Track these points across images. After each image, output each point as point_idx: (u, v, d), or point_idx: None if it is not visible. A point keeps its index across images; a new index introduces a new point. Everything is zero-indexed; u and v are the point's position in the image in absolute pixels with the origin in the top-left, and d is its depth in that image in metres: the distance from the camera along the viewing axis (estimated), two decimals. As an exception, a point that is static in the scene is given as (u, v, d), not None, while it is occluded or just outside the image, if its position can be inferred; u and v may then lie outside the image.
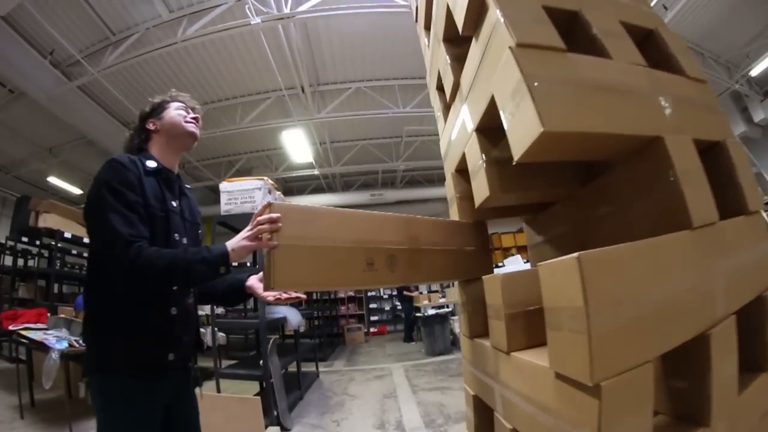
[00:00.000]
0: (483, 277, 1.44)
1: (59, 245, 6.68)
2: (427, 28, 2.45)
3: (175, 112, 1.72)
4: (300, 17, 6.06)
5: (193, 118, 1.74)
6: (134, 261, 1.30)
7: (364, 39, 7.23)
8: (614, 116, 1.11)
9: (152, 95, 2.09)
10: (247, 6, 5.83)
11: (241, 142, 10.22)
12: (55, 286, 7.22)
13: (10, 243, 7.60)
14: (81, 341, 3.94)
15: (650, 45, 1.53)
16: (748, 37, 8.76)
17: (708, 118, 1.39)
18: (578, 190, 1.55)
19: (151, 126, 1.70)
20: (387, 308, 14.60)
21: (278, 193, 4.86)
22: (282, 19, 5.97)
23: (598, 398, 0.80)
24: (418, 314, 9.41)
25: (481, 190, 1.45)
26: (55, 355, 3.59)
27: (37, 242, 7.15)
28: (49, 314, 4.98)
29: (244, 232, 1.37)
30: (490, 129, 1.48)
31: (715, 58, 9.25)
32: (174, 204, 1.63)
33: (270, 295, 1.59)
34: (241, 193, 4.24)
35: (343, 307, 13.68)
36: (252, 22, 5.92)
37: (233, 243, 1.41)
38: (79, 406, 4.10)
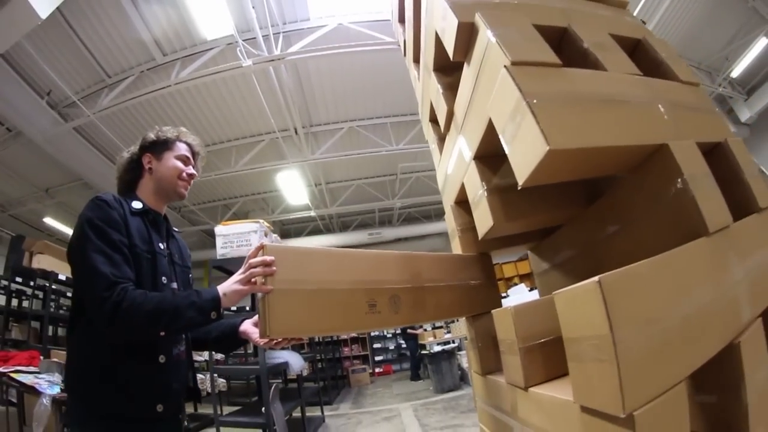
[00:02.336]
0: (492, 311, 1.38)
1: (53, 287, 6.56)
2: (416, 60, 2.43)
3: (173, 163, 1.63)
4: (290, 59, 6.19)
5: (189, 175, 1.66)
6: (118, 304, 1.22)
7: (354, 78, 7.40)
8: (618, 128, 1.09)
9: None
10: (238, 48, 5.98)
11: (237, 185, 10.28)
12: (50, 329, 7.08)
13: (4, 283, 7.36)
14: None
15: (640, 54, 1.53)
16: (724, 41, 9.20)
17: (706, 119, 1.39)
18: (583, 210, 1.51)
19: (146, 163, 1.63)
20: (391, 347, 14.41)
21: (275, 235, 4.82)
22: (273, 61, 6.11)
23: (632, 429, 0.74)
24: (423, 351, 9.31)
25: (484, 220, 1.40)
26: (46, 401, 3.50)
27: (32, 283, 6.94)
28: (41, 357, 4.87)
29: (237, 276, 1.28)
30: (489, 156, 1.45)
31: (696, 65, 9.65)
32: (161, 246, 1.56)
33: (265, 341, 1.39)
34: (236, 236, 4.18)
35: (346, 349, 13.47)
36: (243, 65, 6.05)
37: (225, 287, 1.32)
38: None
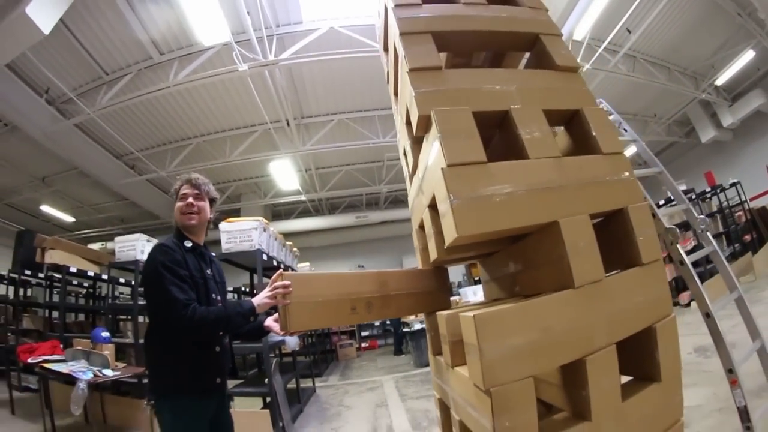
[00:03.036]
0: (437, 313, 2.00)
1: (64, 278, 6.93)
2: (396, 94, 2.80)
3: (177, 205, 2.20)
4: (284, 63, 6.66)
5: (188, 205, 2.17)
6: (191, 318, 1.85)
7: (344, 74, 7.81)
8: (517, 213, 1.62)
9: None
10: (234, 53, 6.38)
11: (231, 170, 10.74)
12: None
13: (13, 276, 7.82)
14: (102, 371, 4.43)
15: (575, 125, 2.04)
16: (712, 50, 9.59)
17: (612, 190, 1.84)
18: (510, 246, 2.11)
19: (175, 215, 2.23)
20: (377, 323, 15.05)
21: (272, 229, 5.39)
22: (267, 65, 6.55)
23: (490, 397, 1.36)
24: (405, 329, 9.96)
25: (432, 252, 2.03)
26: (83, 385, 4.03)
27: (40, 274, 7.45)
28: (61, 345, 5.40)
29: (266, 293, 1.90)
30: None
31: (681, 70, 10.05)
32: (209, 272, 2.20)
33: (283, 332, 2.01)
34: (239, 233, 4.74)
35: (334, 324, 14.01)
36: (239, 69, 6.49)
37: (257, 300, 1.95)
38: (96, 428, 4.56)
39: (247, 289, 7.17)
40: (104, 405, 4.79)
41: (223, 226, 4.77)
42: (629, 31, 7.89)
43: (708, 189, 9.83)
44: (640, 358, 1.80)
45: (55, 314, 7.90)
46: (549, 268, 1.71)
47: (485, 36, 2.30)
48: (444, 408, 2.20)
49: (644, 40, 8.60)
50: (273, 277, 1.88)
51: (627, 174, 1.92)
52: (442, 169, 1.64)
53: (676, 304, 8.11)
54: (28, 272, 7.41)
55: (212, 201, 2.34)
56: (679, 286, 8.36)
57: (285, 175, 10.11)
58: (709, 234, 2.79)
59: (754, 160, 12.34)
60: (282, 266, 5.98)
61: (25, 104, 7.05)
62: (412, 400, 5.89)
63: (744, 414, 2.32)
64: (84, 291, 9.64)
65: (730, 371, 2.35)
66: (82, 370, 4.35)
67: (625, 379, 1.72)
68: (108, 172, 9.61)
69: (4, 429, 4.97)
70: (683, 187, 8.63)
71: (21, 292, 7.89)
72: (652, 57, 9.46)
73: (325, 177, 11.74)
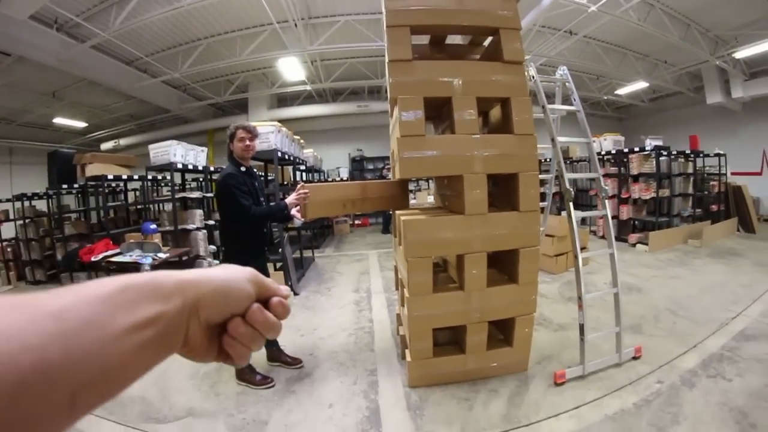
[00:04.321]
0: (396, 212, 3.31)
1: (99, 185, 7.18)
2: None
3: (238, 145, 3.20)
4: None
5: (247, 146, 3.21)
6: (253, 215, 3.07)
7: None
8: (439, 168, 2.81)
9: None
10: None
11: (241, 65, 10.74)
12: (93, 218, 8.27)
13: (50, 192, 8.22)
14: (157, 255, 5.28)
15: (504, 107, 2.98)
16: (740, 22, 9.06)
17: (512, 160, 2.83)
18: (446, 178, 3.34)
19: (230, 147, 3.32)
20: (370, 204, 16.07)
21: (284, 129, 6.47)
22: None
23: (407, 264, 2.75)
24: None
25: (396, 174, 3.30)
26: (147, 269, 4.80)
27: (75, 185, 7.89)
28: (110, 241, 6.00)
29: (293, 196, 3.14)
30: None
31: (702, 30, 9.67)
32: (256, 184, 3.35)
33: (303, 219, 3.30)
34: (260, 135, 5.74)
35: (331, 204, 15.12)
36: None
37: (288, 200, 3.15)
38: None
39: (263, 172, 8.13)
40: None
41: (245, 129, 5.78)
42: None
43: (689, 151, 9.56)
44: (509, 267, 2.99)
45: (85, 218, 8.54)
46: (457, 199, 2.95)
47: (456, 28, 3.07)
48: (396, 272, 3.66)
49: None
50: (297, 187, 3.13)
51: (530, 151, 2.86)
52: (397, 138, 2.86)
53: (624, 241, 8.78)
54: (65, 186, 7.89)
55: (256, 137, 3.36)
56: (635, 226, 9.10)
57: (292, 70, 10.50)
58: (607, 201, 3.34)
59: (754, 138, 12.15)
60: (295, 159, 7.12)
61: (36, 38, 7.22)
62: (387, 271, 7.19)
63: (582, 329, 3.09)
64: (110, 191, 9.86)
65: (579, 298, 3.08)
66: (142, 257, 5.24)
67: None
68: (121, 79, 9.85)
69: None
70: (659, 143, 8.83)
71: (57, 203, 8.25)
72: (673, 9, 8.76)
73: (330, 68, 11.93)
